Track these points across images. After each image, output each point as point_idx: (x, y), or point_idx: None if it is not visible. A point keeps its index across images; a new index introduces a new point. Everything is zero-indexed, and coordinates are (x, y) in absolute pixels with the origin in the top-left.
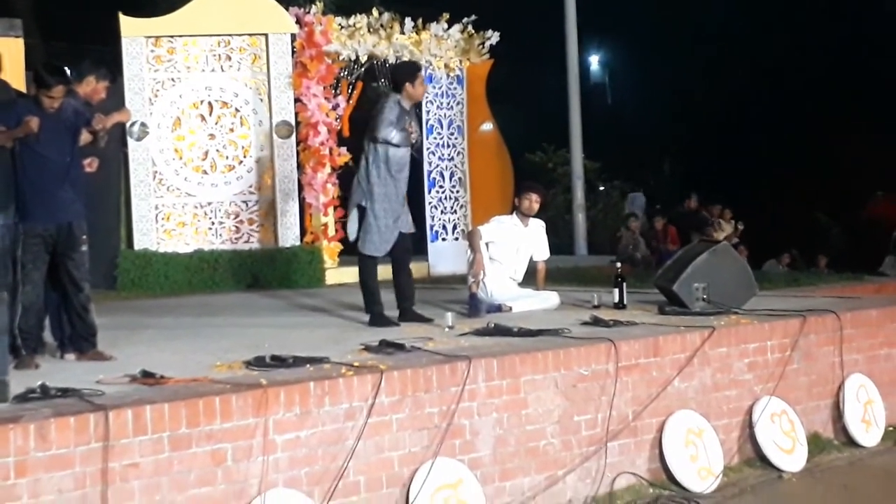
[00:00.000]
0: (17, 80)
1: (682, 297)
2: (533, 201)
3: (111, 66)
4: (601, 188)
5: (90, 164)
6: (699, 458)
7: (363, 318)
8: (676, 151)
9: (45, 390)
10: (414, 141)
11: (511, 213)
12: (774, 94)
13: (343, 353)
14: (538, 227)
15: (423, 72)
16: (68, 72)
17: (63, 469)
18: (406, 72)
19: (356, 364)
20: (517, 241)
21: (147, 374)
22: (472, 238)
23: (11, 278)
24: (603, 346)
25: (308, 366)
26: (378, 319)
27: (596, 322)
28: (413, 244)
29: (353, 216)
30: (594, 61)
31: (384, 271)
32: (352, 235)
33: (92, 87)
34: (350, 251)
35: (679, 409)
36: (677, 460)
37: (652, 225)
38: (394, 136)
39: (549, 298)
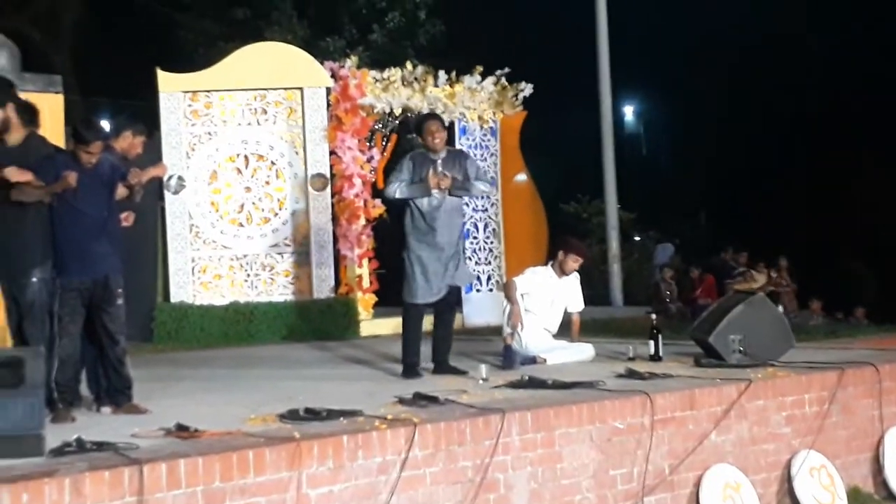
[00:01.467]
0: (57, 135)
1: (719, 349)
2: (577, 264)
3: (148, 120)
4: (636, 238)
5: (126, 219)
6: None
7: (397, 370)
8: (712, 201)
9: (81, 444)
10: (443, 187)
11: (546, 264)
12: (811, 143)
13: (377, 406)
14: (573, 278)
15: (431, 121)
16: (105, 127)
17: None
18: (415, 125)
19: (389, 417)
20: (552, 292)
21: (182, 428)
22: (508, 290)
23: (48, 332)
24: (638, 398)
25: (341, 419)
26: (407, 371)
27: (631, 374)
28: None
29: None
30: (629, 112)
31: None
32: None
33: (129, 142)
34: (384, 303)
35: (716, 462)
36: None
37: (687, 275)
38: (394, 190)
39: (584, 350)
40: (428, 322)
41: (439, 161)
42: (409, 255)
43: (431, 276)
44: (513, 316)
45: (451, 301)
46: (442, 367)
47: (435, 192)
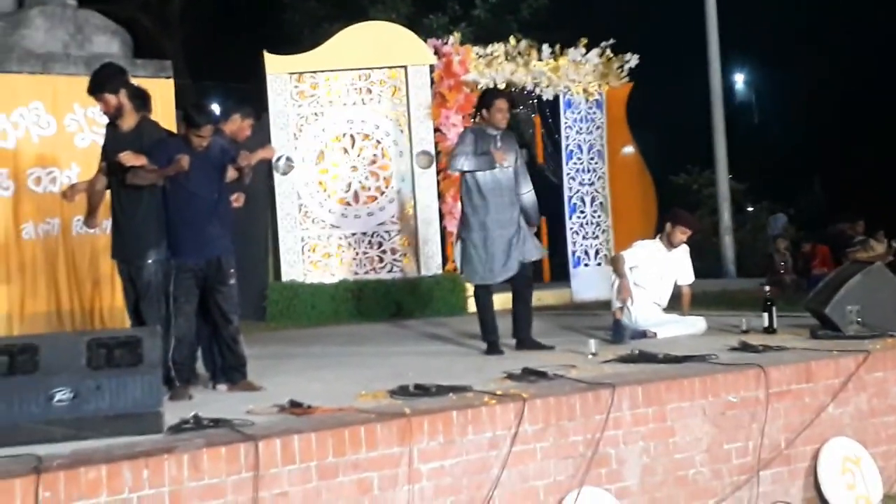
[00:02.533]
0: (168, 119)
1: (835, 320)
2: (686, 236)
3: (255, 103)
4: (749, 209)
5: (237, 200)
6: (857, 487)
7: (500, 346)
8: (826, 169)
9: (198, 421)
10: (506, 166)
11: (654, 237)
12: None
13: (485, 382)
14: (683, 250)
15: (502, 99)
16: (215, 111)
17: (215, 498)
18: (483, 99)
19: (499, 392)
20: (661, 265)
21: (295, 404)
22: (616, 264)
23: (164, 312)
24: (752, 372)
25: (451, 394)
26: (491, 349)
27: (745, 347)
28: (555, 270)
29: (457, 248)
30: (739, 80)
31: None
32: (458, 266)
33: (237, 125)
34: None
35: (834, 436)
36: (834, 489)
37: (799, 246)
38: (461, 163)
39: (695, 324)
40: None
41: (498, 137)
42: (470, 235)
43: (487, 257)
44: (622, 290)
45: (527, 276)
46: (524, 343)
47: (499, 165)
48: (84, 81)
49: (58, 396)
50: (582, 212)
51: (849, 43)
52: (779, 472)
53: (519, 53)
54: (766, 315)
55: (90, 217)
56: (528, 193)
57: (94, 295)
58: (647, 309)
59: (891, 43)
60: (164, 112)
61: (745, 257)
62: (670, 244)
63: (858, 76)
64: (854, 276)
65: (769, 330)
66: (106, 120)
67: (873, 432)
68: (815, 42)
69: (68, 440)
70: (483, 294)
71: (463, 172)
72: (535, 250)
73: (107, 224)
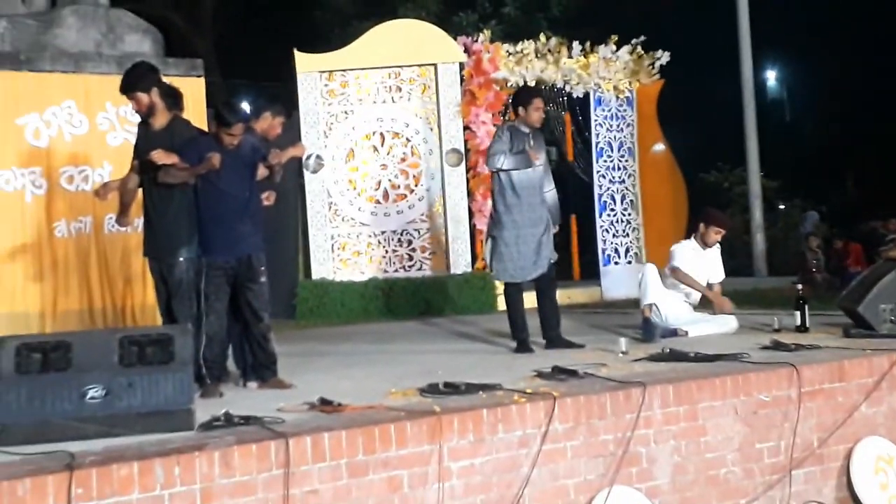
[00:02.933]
0: (199, 118)
1: (868, 318)
2: (720, 236)
3: (285, 101)
4: (781, 207)
5: (268, 198)
6: (890, 487)
7: (533, 345)
8: (859, 167)
9: (229, 418)
10: (538, 164)
11: (686, 237)
12: None
13: (515, 380)
14: (715, 249)
15: (540, 98)
16: (246, 109)
17: (246, 496)
18: (520, 97)
19: (529, 391)
20: (696, 264)
21: (325, 402)
22: (686, 279)
23: (196, 310)
24: (784, 371)
25: (481, 393)
26: (521, 347)
27: (777, 346)
28: (585, 269)
29: (488, 246)
30: (771, 77)
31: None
32: (489, 264)
33: (268, 123)
34: None
35: (867, 435)
36: (867, 489)
37: (831, 244)
38: (502, 162)
39: (727, 322)
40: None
41: (530, 136)
42: (502, 233)
43: (518, 255)
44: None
45: (551, 274)
46: (555, 342)
47: (536, 163)
48: (116, 80)
49: (90, 394)
50: (612, 210)
51: (881, 38)
52: (811, 471)
53: (549, 51)
54: (798, 313)
55: (122, 215)
56: (550, 192)
57: (126, 293)
58: (678, 307)
59: None
60: (196, 111)
61: (776, 255)
62: (704, 244)
63: (891, 72)
64: (887, 275)
65: (801, 328)
66: (138, 119)
67: None
68: (847, 38)
69: (100, 437)
70: (513, 292)
71: (500, 171)
72: (554, 251)
73: (139, 222)
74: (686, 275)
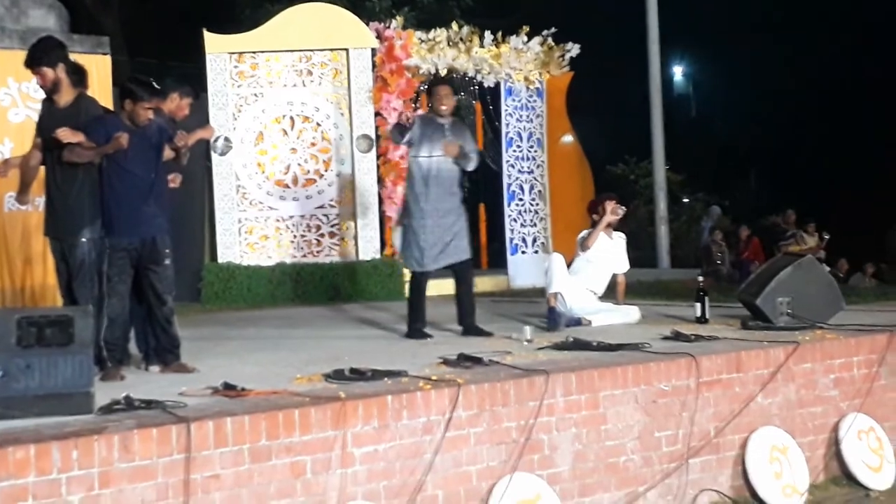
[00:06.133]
0: (105, 96)
1: (766, 311)
2: (615, 210)
3: (194, 82)
4: (685, 200)
5: (173, 180)
6: (784, 476)
7: (440, 331)
8: (762, 163)
9: (130, 402)
10: (453, 155)
11: (591, 227)
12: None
13: (421, 367)
14: (620, 240)
15: (442, 86)
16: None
17: (146, 480)
18: (428, 88)
19: (434, 378)
20: (600, 254)
21: (229, 387)
22: (585, 241)
23: (98, 291)
24: (684, 361)
25: (386, 379)
26: (413, 334)
27: (677, 337)
28: (493, 257)
29: (397, 233)
30: (678, 72)
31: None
32: (399, 252)
33: (176, 103)
34: None
35: (762, 425)
36: (761, 477)
37: (737, 235)
38: (395, 137)
39: (629, 313)
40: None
41: (447, 126)
42: (412, 222)
43: (425, 245)
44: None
45: (467, 264)
46: (470, 329)
47: (441, 153)
48: (19, 56)
49: None
50: (520, 199)
51: (785, 36)
52: (708, 460)
53: (461, 39)
54: (698, 305)
55: (22, 193)
56: (473, 164)
57: (26, 273)
58: (582, 297)
59: (826, 35)
60: (101, 89)
61: (679, 248)
62: (610, 228)
63: (795, 70)
64: (785, 269)
65: (701, 320)
66: (41, 95)
67: (801, 422)
68: (753, 36)
69: None
70: (415, 281)
71: (412, 158)
72: (463, 251)
73: (39, 201)
74: (590, 234)
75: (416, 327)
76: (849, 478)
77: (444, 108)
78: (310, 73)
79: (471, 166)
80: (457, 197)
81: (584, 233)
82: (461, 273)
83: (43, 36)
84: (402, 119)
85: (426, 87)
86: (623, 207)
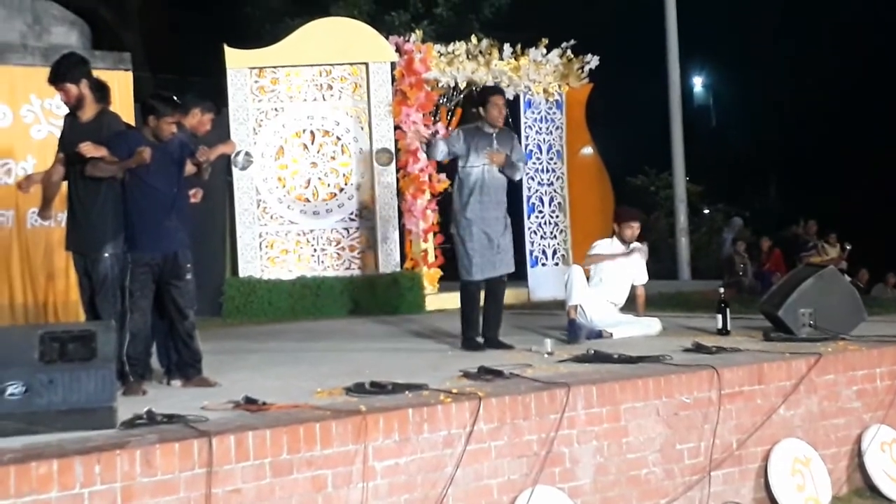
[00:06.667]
0: (127, 112)
1: (788, 322)
2: (635, 230)
3: (214, 97)
4: (705, 211)
5: (195, 195)
6: (806, 488)
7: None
8: (782, 173)
9: (152, 416)
10: (499, 164)
11: (611, 237)
12: (887, 115)
13: (442, 380)
14: (640, 250)
15: (498, 95)
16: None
17: (168, 494)
18: (480, 96)
19: (455, 391)
20: (619, 265)
21: (250, 401)
22: (594, 258)
23: (120, 306)
24: (705, 373)
25: (407, 392)
26: (467, 344)
27: (698, 349)
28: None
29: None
30: (697, 83)
31: None
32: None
33: (197, 118)
34: (449, 277)
35: (785, 437)
36: (784, 490)
37: (758, 245)
38: (431, 152)
39: (650, 325)
40: None
41: (494, 136)
42: (460, 231)
43: (473, 253)
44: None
45: (503, 278)
46: (491, 342)
47: (488, 165)
48: (42, 72)
49: (9, 390)
50: (540, 211)
51: (806, 48)
52: (730, 472)
53: (480, 52)
54: (720, 316)
55: (45, 209)
56: (520, 174)
57: (48, 288)
58: (602, 309)
59: (848, 45)
60: (123, 105)
61: (700, 259)
62: (624, 241)
63: (815, 81)
64: (807, 280)
65: (723, 331)
66: (63, 112)
67: (823, 434)
68: (773, 47)
69: (20, 434)
70: (467, 290)
71: (460, 169)
72: (512, 262)
73: (62, 217)
74: (597, 254)
75: (469, 336)
76: (872, 490)
77: (499, 116)
78: (330, 87)
79: (518, 175)
80: (503, 206)
81: (596, 246)
82: (495, 286)
83: (66, 52)
84: (423, 134)
85: (477, 92)
86: (639, 244)
